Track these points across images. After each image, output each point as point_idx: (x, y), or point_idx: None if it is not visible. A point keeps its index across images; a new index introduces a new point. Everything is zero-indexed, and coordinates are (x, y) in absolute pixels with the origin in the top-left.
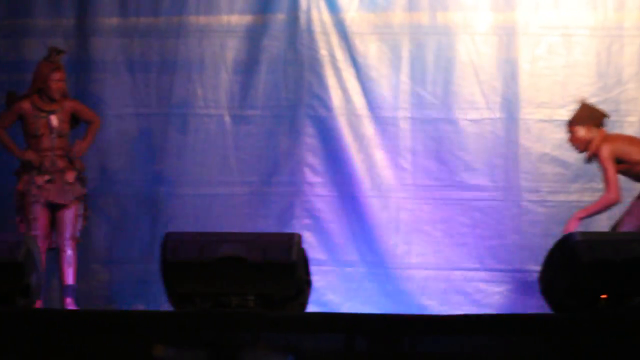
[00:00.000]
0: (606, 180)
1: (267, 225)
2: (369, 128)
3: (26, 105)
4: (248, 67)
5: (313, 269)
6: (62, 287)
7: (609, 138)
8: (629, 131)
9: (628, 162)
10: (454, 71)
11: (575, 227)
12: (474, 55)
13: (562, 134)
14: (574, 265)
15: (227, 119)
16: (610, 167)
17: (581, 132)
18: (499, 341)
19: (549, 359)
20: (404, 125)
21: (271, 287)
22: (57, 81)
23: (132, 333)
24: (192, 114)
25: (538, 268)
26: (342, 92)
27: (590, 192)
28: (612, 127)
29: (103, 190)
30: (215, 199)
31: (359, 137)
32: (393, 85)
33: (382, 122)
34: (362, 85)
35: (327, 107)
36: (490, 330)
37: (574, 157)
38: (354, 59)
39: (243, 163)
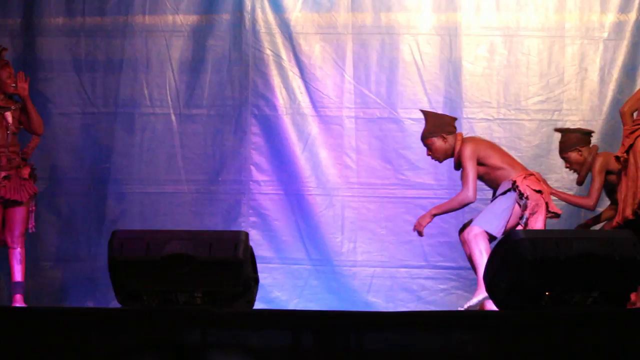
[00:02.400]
0: (464, 178)
1: (214, 223)
2: (313, 127)
3: None
4: (194, 66)
5: (260, 266)
6: (12, 284)
7: (470, 139)
8: None
9: (487, 166)
10: (397, 71)
11: (428, 223)
12: (417, 55)
13: (504, 133)
14: (518, 262)
15: (173, 117)
16: (470, 166)
17: (438, 143)
18: (443, 338)
19: (493, 356)
20: (349, 124)
21: (218, 284)
22: (8, 77)
23: (81, 330)
24: (138, 113)
25: None
26: (287, 91)
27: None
28: (555, 126)
29: (51, 189)
30: (162, 197)
31: (304, 135)
32: (337, 84)
33: (326, 121)
34: (307, 85)
35: (272, 106)
36: (435, 327)
37: (516, 155)
38: (298, 58)
39: (190, 162)
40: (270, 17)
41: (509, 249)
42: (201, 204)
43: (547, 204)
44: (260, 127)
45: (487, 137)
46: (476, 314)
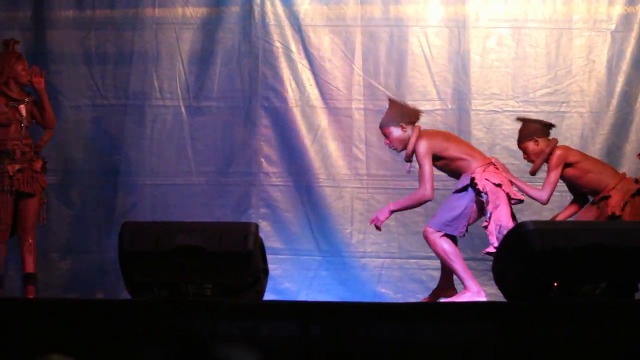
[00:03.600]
0: (421, 176)
1: (224, 214)
2: (323, 119)
3: None
4: (203, 59)
5: (270, 257)
6: (23, 276)
7: (425, 134)
8: (579, 122)
9: (446, 158)
10: (406, 63)
11: (386, 218)
12: (426, 48)
13: (512, 125)
14: (526, 254)
15: (183, 110)
16: (427, 164)
17: (396, 132)
18: (452, 329)
19: (502, 346)
20: (358, 116)
21: (228, 276)
22: (22, 70)
23: (91, 321)
24: (148, 105)
25: (491, 256)
26: (296, 83)
27: (541, 182)
28: (562, 118)
29: (62, 180)
30: (172, 189)
31: (313, 127)
32: (346, 76)
33: (336, 113)
34: (316, 77)
35: (282, 98)
36: (444, 318)
37: None
38: (307, 50)
39: (199, 153)
40: (280, 9)
41: (518, 240)
42: (211, 195)
43: (508, 194)
44: (269, 119)
45: (494, 129)
46: (485, 305)
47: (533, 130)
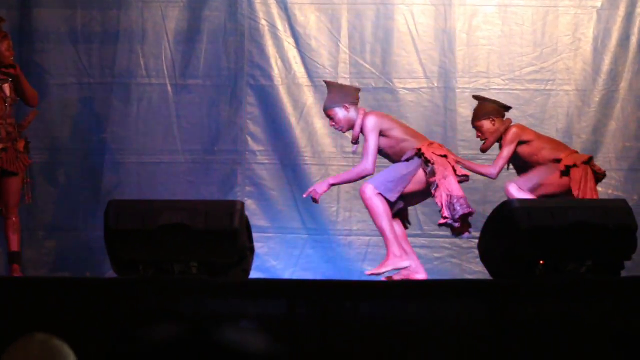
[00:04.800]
0: (365, 150)
1: (210, 193)
2: (309, 97)
3: None
4: (189, 37)
5: (256, 235)
6: (8, 255)
7: (372, 112)
8: (565, 100)
9: (391, 138)
10: (392, 41)
11: (324, 192)
12: (412, 26)
13: None
14: (512, 232)
15: (169, 88)
16: (372, 139)
17: (341, 113)
18: (438, 306)
19: (487, 324)
20: None
21: (214, 254)
22: (7, 50)
23: (77, 300)
24: (134, 84)
25: (477, 234)
26: (282, 61)
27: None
28: (549, 96)
29: (47, 159)
30: (158, 168)
31: (299, 106)
32: (333, 54)
33: (322, 91)
34: (302, 55)
35: (268, 76)
36: (430, 295)
37: None
38: (293, 29)
39: (186, 132)
40: None
41: (504, 218)
42: (197, 174)
43: (454, 168)
44: (256, 97)
45: None
46: (471, 283)
47: (491, 110)
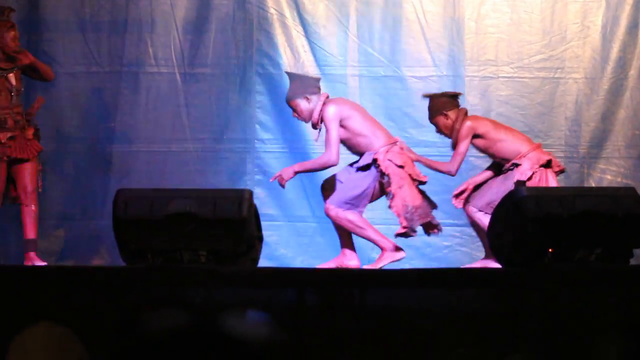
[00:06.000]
0: (327, 141)
1: (219, 181)
2: None
3: None
4: (198, 26)
5: (265, 224)
6: (24, 242)
7: (332, 100)
8: (574, 88)
9: (348, 129)
10: (401, 29)
11: (290, 178)
12: (421, 14)
13: (507, 91)
14: (521, 220)
15: (178, 77)
16: (333, 129)
17: (303, 104)
18: (447, 295)
19: (497, 313)
20: (353, 83)
21: (222, 243)
22: (13, 39)
23: (86, 288)
24: (143, 73)
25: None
26: (291, 50)
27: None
28: (557, 84)
29: (56, 148)
30: (167, 156)
31: None
32: (341, 43)
33: (330, 80)
34: (311, 44)
35: (277, 65)
36: (439, 284)
37: (519, 113)
38: (302, 17)
39: (195, 120)
40: None
41: (513, 206)
42: (206, 162)
43: (410, 175)
44: (264, 85)
45: (489, 96)
46: (480, 272)
47: (441, 105)
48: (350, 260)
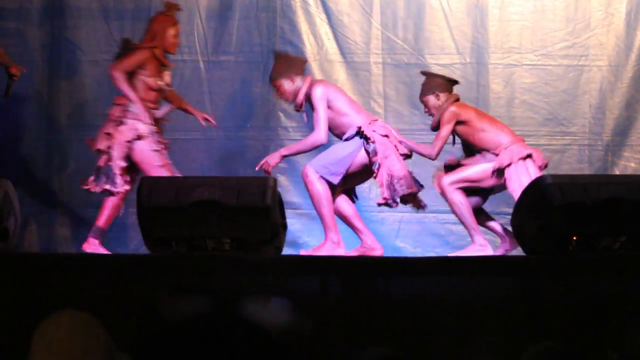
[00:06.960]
0: (315, 120)
1: (242, 169)
2: (341, 73)
3: (147, 54)
4: (221, 13)
5: (288, 212)
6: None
7: (319, 81)
8: (598, 75)
9: (333, 110)
10: (424, 17)
11: (277, 163)
12: (444, 1)
13: (531, 79)
14: (545, 208)
15: (201, 64)
16: (321, 108)
17: (286, 84)
18: (470, 283)
19: (521, 301)
20: (376, 70)
21: (246, 231)
22: (174, 36)
23: (109, 276)
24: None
25: (510, 210)
26: (314, 37)
27: (560, 135)
28: (581, 72)
29: (81, 135)
30: (190, 144)
31: (331, 81)
32: (365, 30)
33: (354, 67)
34: (334, 31)
35: (300, 52)
36: (463, 271)
37: (543, 101)
38: (325, 4)
39: (218, 108)
40: None
41: (537, 194)
42: (230, 150)
43: (396, 146)
44: None
45: (513, 83)
46: (504, 259)
47: (435, 85)
48: (374, 250)
